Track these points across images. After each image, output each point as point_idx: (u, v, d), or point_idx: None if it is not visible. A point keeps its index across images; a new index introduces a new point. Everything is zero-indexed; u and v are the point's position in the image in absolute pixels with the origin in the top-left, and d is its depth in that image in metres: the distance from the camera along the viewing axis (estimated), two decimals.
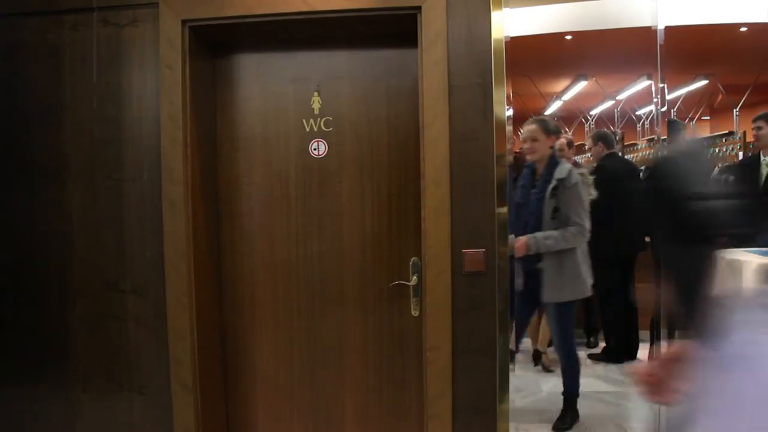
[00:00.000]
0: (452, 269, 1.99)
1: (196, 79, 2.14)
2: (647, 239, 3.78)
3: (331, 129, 2.26)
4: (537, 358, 3.93)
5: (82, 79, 2.14)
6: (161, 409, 2.12)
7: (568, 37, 4.60)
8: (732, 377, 0.65)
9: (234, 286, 2.32)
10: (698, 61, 5.77)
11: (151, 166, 2.11)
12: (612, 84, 6.99)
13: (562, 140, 4.70)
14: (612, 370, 3.95)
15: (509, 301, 2.00)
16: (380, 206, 2.24)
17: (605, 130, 4.96)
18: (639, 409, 3.26)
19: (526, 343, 4.16)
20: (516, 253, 2.74)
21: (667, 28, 2.60)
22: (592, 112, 8.75)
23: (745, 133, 6.01)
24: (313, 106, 2.27)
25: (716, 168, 5.42)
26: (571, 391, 3.14)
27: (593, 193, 3.15)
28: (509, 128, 2.04)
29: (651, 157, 6.80)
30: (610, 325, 4.18)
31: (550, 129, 3.02)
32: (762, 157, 3.54)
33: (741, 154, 6.73)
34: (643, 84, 6.30)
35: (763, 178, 3.49)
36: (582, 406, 3.31)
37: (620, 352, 4.07)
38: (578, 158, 5.15)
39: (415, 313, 2.15)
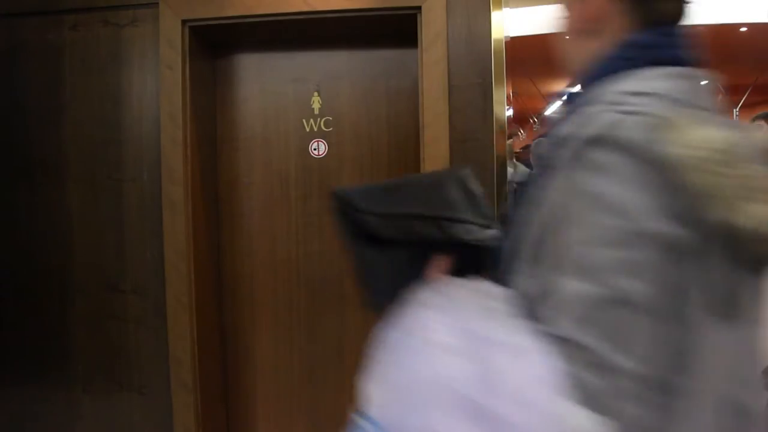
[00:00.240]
0: None
1: (196, 79, 2.14)
2: None
3: (331, 129, 2.26)
4: None
5: (82, 79, 2.14)
6: (161, 409, 2.12)
7: (568, 37, 4.60)
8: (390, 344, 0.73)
9: (234, 286, 2.32)
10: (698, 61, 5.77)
11: (151, 166, 2.11)
12: None
13: None
14: None
15: None
16: None
17: None
18: None
19: None
20: None
21: None
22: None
23: None
24: (313, 106, 2.27)
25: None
26: None
27: None
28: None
29: None
30: None
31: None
32: None
33: None
34: None
35: None
36: None
37: None
38: None
39: None
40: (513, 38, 2.09)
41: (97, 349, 2.17)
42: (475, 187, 0.86)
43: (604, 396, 0.58)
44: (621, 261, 0.58)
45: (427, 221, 0.76)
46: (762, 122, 3.55)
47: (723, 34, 4.73)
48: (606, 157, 0.59)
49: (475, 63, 1.98)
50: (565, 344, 0.59)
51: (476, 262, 0.75)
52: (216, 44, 2.26)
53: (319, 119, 2.27)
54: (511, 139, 3.69)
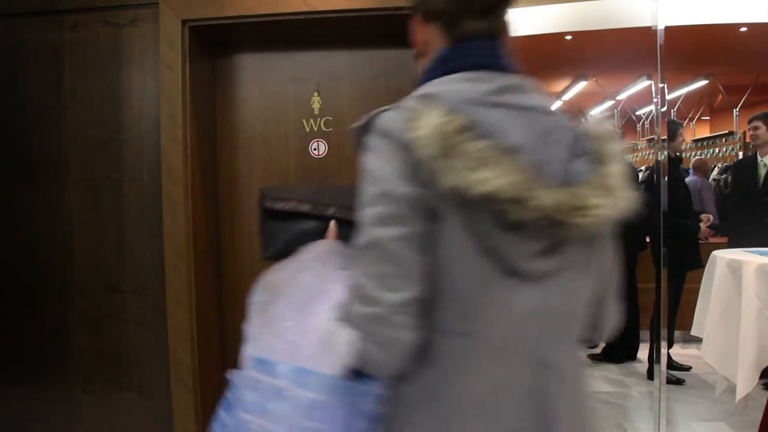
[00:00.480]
0: None
1: (196, 79, 2.14)
2: (647, 239, 3.78)
3: (331, 129, 2.26)
4: None
5: (82, 79, 2.14)
6: (161, 409, 2.12)
7: (568, 37, 4.60)
8: None
9: (234, 286, 2.32)
10: (698, 61, 5.77)
11: (151, 166, 2.11)
12: (612, 84, 6.98)
13: None
14: (612, 370, 3.96)
15: None
16: None
17: None
18: (639, 409, 3.26)
19: None
20: None
21: (667, 28, 2.60)
22: (592, 112, 8.75)
23: (744, 133, 6.01)
24: (313, 106, 2.27)
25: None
26: None
27: None
28: None
29: (651, 157, 6.81)
30: None
31: None
32: (759, 158, 3.53)
33: (741, 154, 6.73)
34: (643, 84, 6.29)
35: (762, 179, 3.48)
36: None
37: (620, 352, 4.07)
38: None
39: None
40: (513, 38, 2.09)
41: (97, 349, 2.17)
42: None
43: (365, 321, 0.74)
44: (375, 216, 0.76)
45: (313, 205, 1.13)
46: (759, 123, 3.54)
47: (723, 34, 4.73)
48: (373, 140, 0.80)
49: None
50: (350, 282, 0.78)
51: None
52: (216, 44, 2.26)
53: (319, 119, 2.27)
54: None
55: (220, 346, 2.31)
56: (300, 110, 2.27)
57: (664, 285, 2.68)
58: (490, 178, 0.73)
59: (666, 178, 2.69)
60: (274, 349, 0.91)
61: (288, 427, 0.87)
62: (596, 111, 8.64)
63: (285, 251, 1.08)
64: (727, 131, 7.68)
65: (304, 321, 0.90)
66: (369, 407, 0.85)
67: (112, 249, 2.14)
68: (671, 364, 3.63)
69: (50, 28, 2.14)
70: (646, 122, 8.44)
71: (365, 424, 0.85)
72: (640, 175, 5.47)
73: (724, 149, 7.57)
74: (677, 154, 3.84)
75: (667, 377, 2.98)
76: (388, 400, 0.84)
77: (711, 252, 2.54)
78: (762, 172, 3.50)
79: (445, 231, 0.76)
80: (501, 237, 0.76)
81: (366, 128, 0.83)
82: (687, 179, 5.63)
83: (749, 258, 2.24)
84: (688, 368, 3.77)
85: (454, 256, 0.77)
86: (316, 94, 2.26)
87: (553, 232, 0.78)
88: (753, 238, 3.01)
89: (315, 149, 2.26)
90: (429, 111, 0.78)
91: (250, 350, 0.96)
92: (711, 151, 7.82)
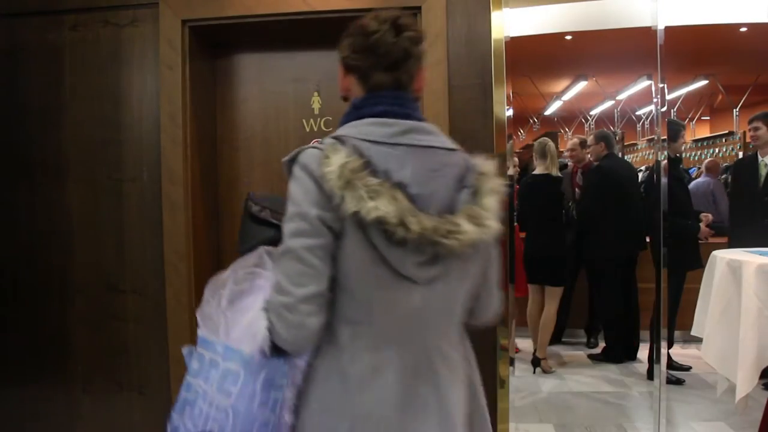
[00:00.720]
0: None
1: (196, 79, 2.14)
2: (647, 239, 3.77)
3: (331, 129, 2.26)
4: (536, 363, 3.90)
5: (82, 79, 2.14)
6: (161, 409, 2.12)
7: (568, 37, 4.60)
8: None
9: None
10: (698, 61, 5.77)
11: (151, 166, 2.11)
12: (612, 84, 6.99)
13: (575, 140, 4.69)
14: (612, 370, 3.95)
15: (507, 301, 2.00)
16: None
17: (608, 131, 4.95)
18: (639, 409, 3.26)
19: (527, 343, 4.15)
20: None
21: (667, 28, 2.60)
22: (592, 112, 8.75)
23: (745, 133, 6.01)
24: (313, 106, 2.27)
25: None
26: None
27: None
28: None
29: (651, 157, 6.80)
30: (610, 325, 4.18)
31: None
32: (759, 158, 3.53)
33: (741, 154, 6.73)
34: (642, 84, 6.30)
35: (762, 179, 3.48)
36: (582, 406, 3.31)
37: (620, 352, 4.07)
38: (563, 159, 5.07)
39: None
40: (513, 38, 2.09)
41: (97, 349, 2.17)
42: None
43: (279, 307, 0.98)
44: (293, 230, 0.99)
45: (273, 213, 1.30)
46: (759, 123, 3.54)
47: (723, 34, 4.73)
48: (296, 171, 1.02)
49: (475, 63, 1.98)
50: (273, 279, 1.04)
51: None
52: (216, 44, 2.26)
53: (319, 119, 2.27)
54: (574, 139, 3.57)
55: None
56: (300, 110, 2.27)
57: (664, 285, 2.68)
58: (380, 206, 0.95)
59: (666, 179, 2.69)
60: (215, 330, 1.15)
61: (218, 389, 1.09)
62: (596, 111, 8.64)
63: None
64: (727, 131, 7.68)
65: (238, 311, 1.15)
66: (281, 379, 1.09)
67: (112, 249, 2.14)
68: (671, 364, 3.63)
69: (50, 28, 2.14)
70: (646, 122, 8.44)
71: (278, 393, 1.09)
72: (640, 175, 5.45)
73: (724, 149, 7.57)
74: (677, 154, 3.84)
75: (667, 377, 2.98)
76: (302, 373, 1.09)
77: (711, 252, 2.54)
78: (762, 172, 3.49)
79: (348, 244, 0.98)
80: (390, 250, 0.98)
81: (293, 161, 1.04)
82: (699, 180, 5.63)
83: (749, 258, 2.23)
84: (688, 368, 3.77)
85: (354, 263, 0.99)
86: (316, 94, 2.26)
87: (434, 248, 1.00)
88: (753, 238, 3.01)
89: None
90: (337, 152, 1.00)
91: (199, 331, 1.19)
92: (711, 151, 7.82)
